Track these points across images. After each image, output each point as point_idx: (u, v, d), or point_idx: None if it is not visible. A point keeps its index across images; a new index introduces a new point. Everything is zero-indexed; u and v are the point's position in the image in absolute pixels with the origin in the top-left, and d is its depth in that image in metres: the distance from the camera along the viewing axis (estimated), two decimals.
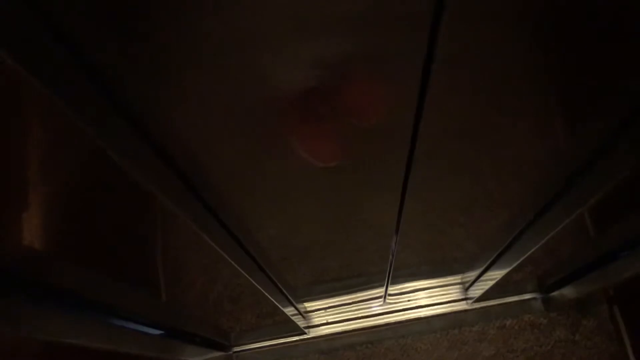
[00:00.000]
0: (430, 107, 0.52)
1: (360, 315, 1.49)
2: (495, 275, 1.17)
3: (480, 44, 0.46)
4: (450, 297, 1.48)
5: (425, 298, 1.49)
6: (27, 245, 0.56)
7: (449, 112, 0.56)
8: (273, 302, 1.07)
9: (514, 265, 1.03)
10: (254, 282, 0.90)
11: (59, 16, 0.35)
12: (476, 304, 1.46)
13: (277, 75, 0.45)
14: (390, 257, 1.05)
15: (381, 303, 1.49)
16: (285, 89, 0.47)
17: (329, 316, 1.49)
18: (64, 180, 0.53)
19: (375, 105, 0.52)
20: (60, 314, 0.69)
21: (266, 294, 0.99)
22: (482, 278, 1.29)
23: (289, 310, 1.26)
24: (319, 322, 1.49)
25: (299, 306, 1.38)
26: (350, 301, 1.49)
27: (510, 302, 1.50)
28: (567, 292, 1.35)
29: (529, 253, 0.93)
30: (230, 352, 1.50)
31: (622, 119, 0.58)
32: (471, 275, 1.35)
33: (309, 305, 1.49)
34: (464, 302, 1.48)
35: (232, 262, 0.77)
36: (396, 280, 1.43)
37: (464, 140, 0.63)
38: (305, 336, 1.49)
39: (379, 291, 1.41)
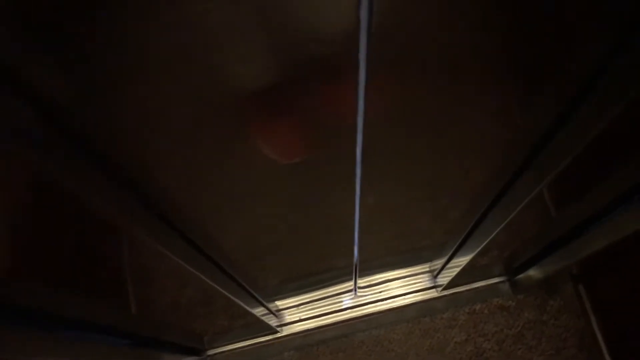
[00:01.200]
0: (371, 96, 0.52)
1: (332, 310, 1.49)
2: (462, 261, 1.18)
3: (419, 18, 0.46)
4: (419, 286, 1.50)
5: (395, 288, 1.50)
6: None
7: (392, 100, 0.56)
8: (240, 304, 1.06)
9: (479, 249, 1.04)
10: (218, 287, 0.89)
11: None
12: (445, 291, 1.48)
13: (232, 75, 0.45)
14: (355, 250, 1.06)
15: (352, 296, 1.50)
16: (240, 88, 0.47)
17: (301, 313, 1.49)
18: (16, 202, 0.52)
19: (322, 99, 0.52)
20: (30, 332, 0.68)
21: (232, 297, 0.99)
22: (449, 265, 1.30)
23: (259, 311, 1.25)
24: (292, 320, 1.49)
25: (270, 305, 1.37)
26: (321, 296, 1.49)
27: (478, 287, 1.52)
28: (533, 273, 1.37)
29: (492, 236, 0.95)
30: (205, 356, 1.49)
31: (574, 93, 0.58)
32: (438, 262, 1.37)
33: (280, 304, 1.48)
34: (434, 290, 1.49)
35: (194, 271, 0.77)
36: (365, 273, 1.44)
37: (412, 126, 0.63)
38: (278, 335, 1.49)
39: (349, 285, 1.41)
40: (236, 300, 1.02)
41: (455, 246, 1.15)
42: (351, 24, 0.42)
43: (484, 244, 1.00)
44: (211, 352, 1.50)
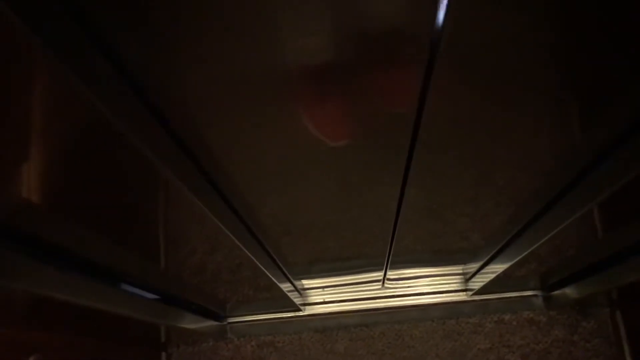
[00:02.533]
0: (435, 92, 0.50)
1: (357, 297, 1.48)
2: (497, 268, 1.15)
3: (488, 29, 0.44)
4: (449, 287, 1.46)
5: (425, 286, 1.47)
6: (27, 198, 0.56)
7: (455, 99, 0.54)
8: (269, 276, 1.06)
9: (517, 259, 1.00)
10: (251, 256, 0.89)
11: None
12: (476, 296, 1.45)
13: (291, 48, 0.44)
14: (390, 241, 1.04)
15: (379, 287, 1.48)
16: (298, 62, 0.46)
17: (325, 295, 1.48)
18: (66, 137, 0.53)
19: (382, 86, 0.51)
20: (58, 270, 0.70)
21: (263, 268, 0.99)
22: (483, 270, 1.27)
23: (286, 286, 1.25)
24: (315, 301, 1.49)
25: (296, 283, 1.37)
26: (348, 282, 1.47)
27: (510, 298, 1.48)
28: (570, 291, 1.33)
29: (532, 248, 0.91)
30: (225, 323, 1.50)
31: (636, 115, 0.55)
32: (473, 266, 1.33)
33: (307, 283, 1.48)
34: (464, 293, 1.46)
35: (231, 235, 0.77)
36: (396, 266, 1.42)
37: (470, 129, 0.61)
38: (300, 313, 1.49)
39: (378, 275, 1.39)
40: (265, 270, 1.02)
41: (492, 252, 1.11)
42: (429, 12, 0.40)
43: (523, 254, 0.97)
44: (232, 319, 1.51)
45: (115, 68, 0.44)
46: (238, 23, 0.40)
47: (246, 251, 0.86)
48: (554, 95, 0.56)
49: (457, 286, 1.46)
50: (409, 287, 1.47)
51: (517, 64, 0.49)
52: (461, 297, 1.46)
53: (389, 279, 1.46)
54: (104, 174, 0.62)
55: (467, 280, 1.44)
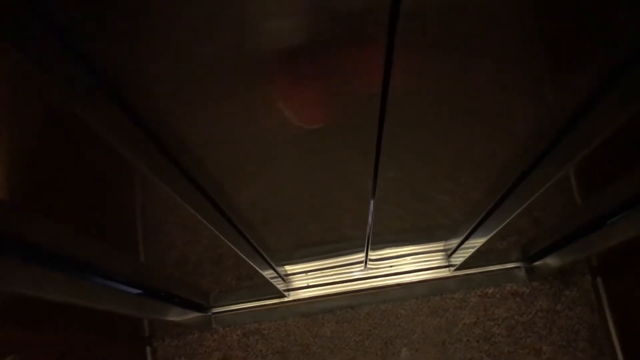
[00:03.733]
0: (398, 68, 0.50)
1: (341, 279, 1.48)
2: (478, 242, 1.15)
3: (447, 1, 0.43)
4: (432, 264, 1.47)
5: (407, 264, 1.47)
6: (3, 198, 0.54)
7: (419, 73, 0.53)
8: (252, 265, 1.05)
9: (495, 231, 1.00)
10: (231, 245, 0.89)
11: None
12: (458, 271, 1.45)
13: (259, 34, 0.44)
14: (370, 221, 1.03)
15: (362, 268, 1.47)
16: (264, 46, 0.46)
17: (309, 279, 1.48)
18: (34, 134, 0.51)
19: (347, 65, 0.50)
20: (38, 269, 0.68)
21: (243, 256, 0.98)
22: (464, 245, 1.27)
23: (268, 273, 1.24)
24: (299, 286, 1.48)
25: (279, 269, 1.36)
26: (331, 265, 1.47)
27: (493, 271, 1.49)
28: (551, 261, 1.34)
29: (509, 219, 0.91)
30: (209, 313, 1.49)
31: (607, 75, 0.55)
32: (454, 242, 1.34)
33: (290, 269, 1.47)
34: (446, 269, 1.46)
35: (209, 226, 0.77)
36: (377, 246, 1.41)
37: (438, 103, 0.60)
38: (285, 299, 1.48)
39: (360, 256, 1.39)
40: (246, 259, 1.01)
41: (472, 226, 1.11)
42: None
43: (501, 226, 0.97)
44: (216, 309, 1.50)
45: (86, 66, 0.43)
46: (204, 7, 0.39)
47: (226, 240, 0.85)
48: (522, 60, 0.55)
49: (440, 262, 1.47)
50: (391, 266, 1.47)
51: (480, 31, 0.48)
52: (444, 273, 1.47)
53: (371, 260, 1.45)
54: (76, 169, 0.61)
55: (449, 256, 1.45)
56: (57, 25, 0.39)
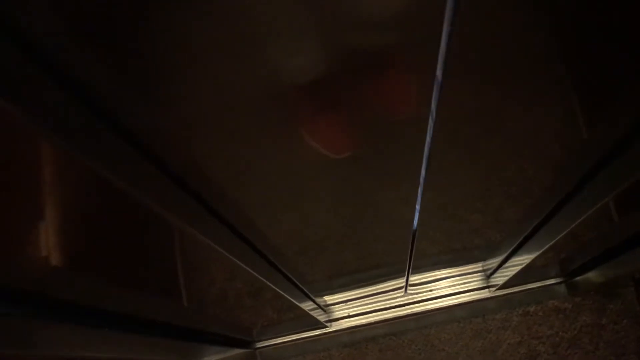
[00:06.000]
0: (447, 95, 0.50)
1: (381, 307, 1.47)
2: (518, 262, 1.15)
3: (497, 29, 0.44)
4: (472, 286, 1.46)
5: (447, 287, 1.47)
6: (44, 262, 0.55)
7: (467, 100, 0.54)
8: (289, 298, 1.06)
9: (538, 252, 1.00)
10: (266, 281, 0.89)
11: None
12: (499, 291, 1.44)
13: (285, 66, 0.43)
14: (410, 247, 1.04)
15: (402, 294, 1.47)
16: (294, 79, 0.45)
17: (350, 309, 1.48)
18: (74, 200, 0.53)
19: (390, 95, 0.50)
20: (84, 329, 0.68)
21: (281, 291, 0.98)
22: (504, 266, 1.26)
23: (307, 305, 1.24)
24: (340, 315, 1.48)
25: (319, 300, 1.37)
26: (371, 293, 1.47)
27: (533, 289, 1.47)
28: (592, 276, 1.32)
29: (553, 242, 0.91)
30: (253, 349, 1.50)
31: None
32: (493, 262, 1.33)
33: (329, 299, 1.47)
34: (486, 290, 1.46)
35: (244, 266, 0.76)
36: (417, 270, 1.42)
37: (483, 128, 0.61)
38: (327, 330, 1.48)
39: (400, 282, 1.39)
40: (284, 294, 1.01)
41: (512, 248, 1.11)
42: (434, 17, 0.39)
43: (545, 248, 0.97)
44: (260, 344, 1.50)
45: (101, 120, 0.43)
46: (228, 47, 0.39)
47: (262, 278, 0.85)
48: (566, 87, 0.56)
49: (479, 284, 1.46)
50: (431, 290, 1.47)
51: (526, 57, 0.49)
52: (484, 294, 1.46)
53: (411, 285, 1.45)
54: (114, 228, 0.62)
55: (488, 277, 1.44)
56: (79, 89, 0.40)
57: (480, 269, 1.46)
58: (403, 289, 1.45)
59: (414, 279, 1.45)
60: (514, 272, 1.20)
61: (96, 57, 0.37)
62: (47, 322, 0.61)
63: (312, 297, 1.26)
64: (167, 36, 0.37)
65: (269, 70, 0.43)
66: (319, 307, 1.38)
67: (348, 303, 1.48)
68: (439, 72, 0.45)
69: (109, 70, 0.39)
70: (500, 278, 1.33)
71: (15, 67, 0.33)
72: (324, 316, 1.44)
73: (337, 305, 1.48)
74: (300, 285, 1.13)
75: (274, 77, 0.44)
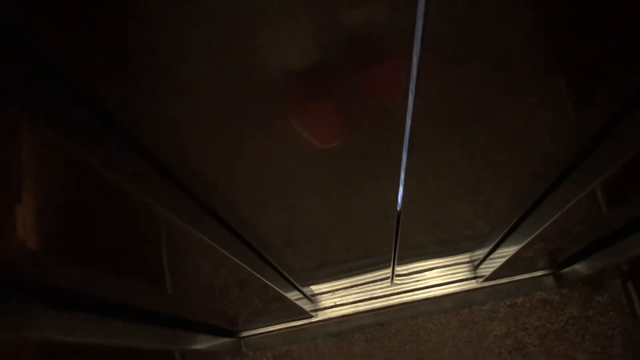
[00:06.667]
0: (423, 82, 0.49)
1: (368, 297, 1.47)
2: (505, 253, 1.14)
3: (472, 14, 0.43)
4: (459, 277, 1.45)
5: (434, 278, 1.46)
6: (29, 248, 0.54)
7: (444, 87, 0.53)
8: (276, 288, 1.05)
9: (524, 243, 0.99)
10: (253, 271, 0.88)
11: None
12: (486, 282, 1.44)
13: (270, 58, 0.43)
14: (395, 237, 1.03)
15: (389, 284, 1.47)
16: (279, 71, 0.45)
17: (336, 298, 1.47)
18: (57, 185, 0.52)
19: (370, 83, 0.50)
20: (68, 314, 0.68)
21: (267, 281, 0.98)
22: (491, 256, 1.26)
23: (294, 295, 1.24)
24: (327, 305, 1.47)
25: (305, 290, 1.36)
26: (357, 283, 1.46)
27: (521, 280, 1.47)
28: (580, 267, 1.32)
29: (539, 231, 0.90)
30: (238, 338, 1.49)
31: (636, 88, 0.54)
32: (480, 253, 1.33)
33: (316, 289, 1.47)
34: (474, 280, 1.45)
35: (231, 256, 0.76)
36: (403, 261, 1.41)
37: (462, 117, 0.60)
38: (313, 319, 1.47)
39: (386, 272, 1.38)
40: (271, 284, 1.00)
41: (499, 238, 1.10)
42: (408, 4, 0.39)
43: (530, 237, 0.96)
44: (245, 333, 1.49)
45: (96, 116, 0.43)
46: (218, 40, 0.39)
47: (248, 268, 0.85)
48: (548, 74, 0.55)
49: (467, 274, 1.45)
50: (418, 280, 1.46)
51: (507, 39, 0.48)
52: (472, 285, 1.45)
53: (397, 275, 1.44)
54: (99, 213, 0.61)
55: (475, 268, 1.43)
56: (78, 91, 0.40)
57: (468, 259, 1.45)
58: (389, 279, 1.44)
59: (400, 269, 1.45)
60: (501, 263, 1.19)
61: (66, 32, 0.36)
62: (32, 307, 0.60)
63: (298, 286, 1.26)
64: (154, 21, 0.36)
65: (249, 61, 0.43)
66: (305, 296, 1.37)
67: (335, 293, 1.47)
68: (415, 55, 0.45)
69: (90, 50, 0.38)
70: (487, 269, 1.33)
71: None
72: (310, 306, 1.44)
73: (323, 295, 1.47)
74: (287, 275, 1.12)
75: (255, 68, 0.44)
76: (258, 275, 0.91)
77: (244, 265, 0.82)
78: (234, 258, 0.77)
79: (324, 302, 1.48)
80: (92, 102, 0.41)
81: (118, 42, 0.37)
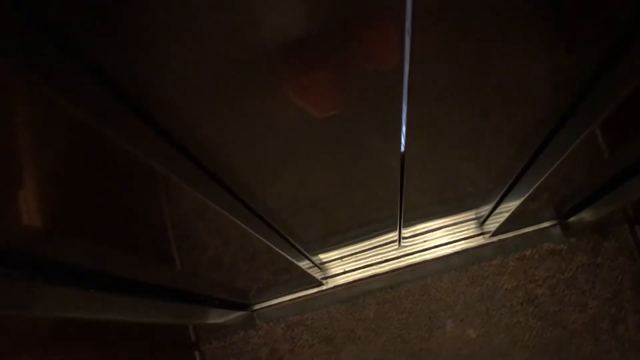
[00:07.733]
0: (418, 42, 0.48)
1: (376, 261, 1.47)
2: (510, 206, 1.14)
3: None
4: (466, 234, 1.46)
5: (441, 237, 1.46)
6: (37, 225, 0.55)
7: (438, 43, 0.52)
8: (286, 257, 1.05)
9: (528, 194, 0.99)
10: (263, 239, 0.89)
11: None
12: (493, 237, 1.44)
13: (267, 26, 0.43)
14: (399, 200, 1.02)
15: (396, 247, 1.47)
16: (276, 39, 0.45)
17: (345, 265, 1.48)
18: (62, 158, 0.52)
19: (364, 47, 0.49)
20: (79, 291, 0.69)
21: (277, 249, 0.98)
22: (496, 211, 1.26)
23: (304, 264, 1.24)
24: (336, 272, 1.48)
25: (314, 258, 1.36)
26: (365, 248, 1.47)
27: (528, 233, 1.47)
28: (586, 215, 1.32)
29: (541, 180, 0.90)
30: (251, 311, 1.50)
31: (625, 29, 0.53)
32: (485, 209, 1.32)
33: (324, 257, 1.47)
34: (481, 237, 1.45)
35: (240, 223, 0.77)
36: (409, 223, 1.41)
37: (458, 71, 0.59)
38: (323, 287, 1.48)
39: (393, 235, 1.38)
40: (281, 252, 1.01)
41: (502, 192, 1.10)
42: None
43: (533, 188, 0.96)
44: (257, 306, 1.51)
45: (94, 76, 0.42)
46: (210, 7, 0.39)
47: (258, 236, 0.85)
48: (539, 20, 0.54)
49: (473, 231, 1.46)
50: (425, 241, 1.47)
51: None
52: (479, 241, 1.46)
53: (404, 237, 1.45)
54: (102, 185, 0.61)
55: (481, 224, 1.44)
56: (72, 48, 0.39)
57: (474, 216, 1.45)
58: (397, 242, 1.45)
59: (407, 231, 1.45)
60: (506, 217, 1.19)
61: None
62: (45, 285, 0.61)
63: (307, 255, 1.26)
64: None
65: (252, 26, 0.43)
66: (315, 265, 1.38)
67: (343, 259, 1.48)
68: (407, 10, 0.44)
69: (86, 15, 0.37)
70: (493, 224, 1.33)
71: None
72: (320, 274, 1.44)
73: (332, 262, 1.48)
74: (295, 244, 1.13)
75: (251, 36, 0.44)
76: (268, 242, 0.92)
77: (253, 232, 0.82)
78: (244, 225, 0.78)
79: (333, 270, 1.48)
80: (102, 72, 0.41)
81: None
